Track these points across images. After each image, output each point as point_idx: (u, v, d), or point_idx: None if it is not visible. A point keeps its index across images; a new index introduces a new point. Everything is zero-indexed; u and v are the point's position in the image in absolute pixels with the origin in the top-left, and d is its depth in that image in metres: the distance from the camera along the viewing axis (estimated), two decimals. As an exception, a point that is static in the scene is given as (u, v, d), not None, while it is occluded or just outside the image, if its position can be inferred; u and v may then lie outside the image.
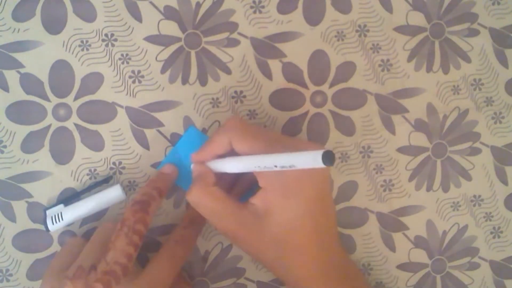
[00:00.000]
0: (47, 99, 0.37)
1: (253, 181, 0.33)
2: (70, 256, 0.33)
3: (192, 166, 0.35)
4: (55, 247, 0.37)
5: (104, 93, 0.37)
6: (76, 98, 0.37)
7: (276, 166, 0.28)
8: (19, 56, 0.36)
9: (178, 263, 0.34)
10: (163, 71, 0.37)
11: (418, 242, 0.40)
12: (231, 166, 0.32)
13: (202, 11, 0.37)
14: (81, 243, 0.35)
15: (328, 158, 0.25)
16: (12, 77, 0.36)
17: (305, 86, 0.38)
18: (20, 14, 0.36)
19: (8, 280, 0.37)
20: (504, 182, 0.41)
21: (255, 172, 0.31)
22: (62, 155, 0.37)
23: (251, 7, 0.38)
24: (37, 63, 0.36)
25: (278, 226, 0.31)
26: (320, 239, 0.32)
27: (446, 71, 0.40)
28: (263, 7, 0.38)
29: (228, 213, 0.32)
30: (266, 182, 0.31)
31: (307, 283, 0.32)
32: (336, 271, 0.33)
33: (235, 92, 0.38)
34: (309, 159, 0.26)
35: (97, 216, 0.37)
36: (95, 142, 0.37)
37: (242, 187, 0.37)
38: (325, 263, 0.33)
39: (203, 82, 0.38)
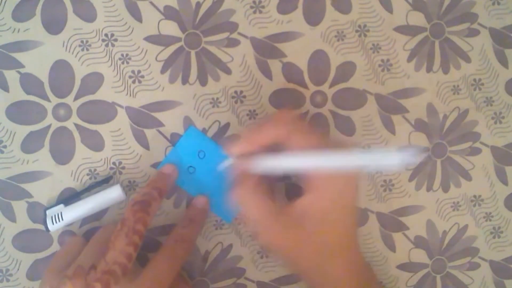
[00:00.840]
0: (47, 99, 0.37)
1: (293, 184, 0.32)
2: (70, 255, 0.33)
3: (230, 161, 0.34)
4: (55, 247, 0.37)
5: (104, 93, 0.37)
6: (76, 98, 0.37)
7: (354, 159, 0.27)
8: (19, 56, 0.36)
9: (178, 262, 0.34)
10: (163, 71, 0.37)
11: (418, 242, 0.40)
12: (297, 161, 0.30)
13: (202, 11, 0.37)
14: (81, 243, 0.35)
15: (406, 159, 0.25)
16: (12, 77, 0.36)
17: (305, 86, 0.38)
18: (20, 14, 0.36)
19: (8, 280, 0.37)
20: (504, 182, 0.41)
21: (305, 174, 0.31)
22: (62, 155, 0.37)
23: (251, 7, 0.38)
24: (37, 63, 0.36)
25: (322, 227, 0.31)
26: (353, 240, 0.33)
27: (446, 71, 0.40)
28: (263, 7, 0.38)
29: (274, 213, 0.31)
30: (313, 186, 0.31)
31: (340, 284, 0.33)
32: (363, 272, 0.34)
33: (235, 92, 0.38)
34: (397, 157, 0.25)
35: (97, 216, 0.37)
36: (95, 142, 0.37)
37: (281, 190, 0.37)
38: (359, 268, 0.34)
39: (203, 82, 0.38)
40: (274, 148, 0.32)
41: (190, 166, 0.37)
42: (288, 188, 0.38)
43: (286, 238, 0.32)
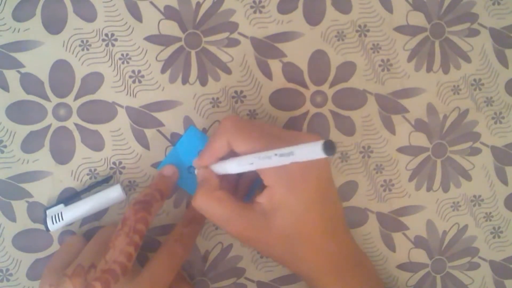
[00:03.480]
0: (47, 99, 0.37)
1: (254, 178, 0.32)
2: (70, 254, 0.34)
3: (195, 171, 0.35)
4: (55, 247, 0.37)
5: (104, 93, 0.37)
6: (76, 98, 0.37)
7: (276, 160, 0.28)
8: (19, 56, 0.36)
9: (177, 262, 0.34)
10: (163, 71, 0.37)
11: (418, 242, 0.40)
12: (233, 167, 0.32)
13: (202, 11, 0.37)
14: (81, 242, 0.35)
15: (329, 147, 0.25)
16: (12, 77, 0.36)
17: (305, 86, 0.38)
18: (20, 14, 0.36)
19: (8, 280, 0.37)
20: (504, 182, 0.41)
21: (258, 171, 0.31)
22: (62, 155, 0.37)
23: (251, 7, 0.38)
24: (37, 63, 0.36)
25: (286, 220, 0.31)
26: (327, 228, 0.33)
27: (446, 71, 0.40)
28: (263, 7, 0.38)
29: (236, 216, 0.32)
30: (270, 179, 0.31)
31: (318, 274, 0.33)
32: (346, 260, 0.34)
33: (235, 92, 0.38)
34: (310, 151, 0.26)
35: (97, 216, 0.37)
36: (95, 142, 0.37)
37: (245, 186, 0.37)
38: (335, 253, 0.33)
39: (203, 82, 0.38)
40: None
41: (190, 166, 0.37)
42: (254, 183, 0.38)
43: (252, 232, 0.32)
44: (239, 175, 0.37)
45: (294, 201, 0.31)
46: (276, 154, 0.28)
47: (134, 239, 0.31)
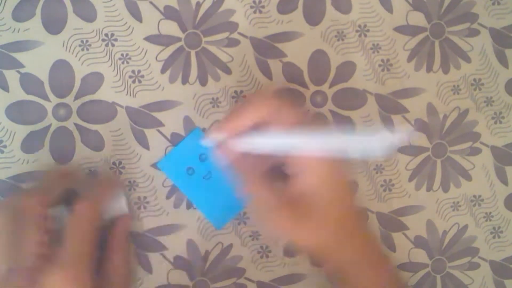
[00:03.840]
0: (47, 99, 0.37)
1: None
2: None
3: (208, 143, 0.34)
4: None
5: (104, 93, 0.37)
6: (76, 98, 0.37)
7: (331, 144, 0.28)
8: (19, 56, 0.36)
9: (87, 221, 0.32)
10: (163, 71, 0.37)
11: (418, 242, 0.40)
12: (285, 140, 0.31)
13: (202, 11, 0.37)
14: None
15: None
16: (12, 77, 0.36)
17: (305, 86, 0.38)
18: (20, 14, 0.36)
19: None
20: (504, 182, 0.41)
21: (288, 157, 0.31)
22: (62, 155, 0.37)
23: (251, 7, 0.38)
24: (37, 63, 0.36)
25: (314, 208, 0.32)
26: (356, 212, 0.34)
27: (446, 71, 0.40)
28: (263, 7, 0.38)
29: (282, 204, 0.32)
30: (302, 167, 0.31)
31: (351, 263, 0.33)
32: (368, 244, 0.35)
33: (235, 92, 0.38)
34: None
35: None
36: (95, 142, 0.37)
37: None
38: (368, 242, 0.34)
39: (203, 82, 0.38)
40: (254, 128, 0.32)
41: (190, 168, 0.37)
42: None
43: (294, 220, 0.32)
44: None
45: (328, 186, 0.32)
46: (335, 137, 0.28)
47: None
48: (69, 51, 0.36)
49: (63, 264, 0.30)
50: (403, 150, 0.40)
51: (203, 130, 0.38)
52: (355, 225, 0.33)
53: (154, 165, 0.37)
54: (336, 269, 0.34)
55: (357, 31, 0.39)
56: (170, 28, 0.37)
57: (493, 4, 0.40)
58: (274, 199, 0.32)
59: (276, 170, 0.34)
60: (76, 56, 0.37)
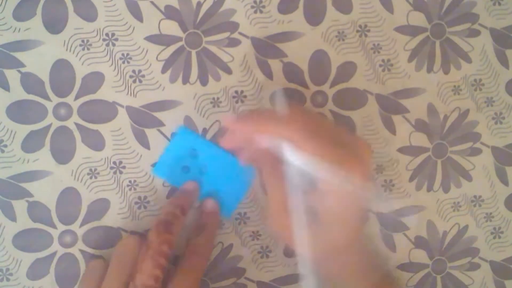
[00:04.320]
0: (47, 98, 0.37)
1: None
2: (94, 282, 0.34)
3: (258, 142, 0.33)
4: (56, 247, 0.37)
5: (104, 93, 0.37)
6: (76, 98, 0.37)
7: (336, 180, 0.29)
8: (19, 56, 0.36)
9: (198, 273, 0.34)
10: (163, 70, 0.37)
11: (419, 243, 0.40)
12: (297, 159, 0.31)
13: (203, 10, 0.37)
14: (102, 266, 0.35)
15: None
16: (12, 76, 0.36)
17: (306, 86, 0.38)
18: (21, 13, 0.36)
19: (8, 280, 0.37)
20: (505, 182, 0.41)
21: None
22: (62, 154, 0.37)
23: (252, 7, 0.38)
24: (38, 62, 0.36)
25: (326, 225, 0.31)
26: (357, 244, 0.34)
27: (446, 71, 0.40)
28: (264, 7, 0.38)
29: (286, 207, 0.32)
30: (325, 185, 0.31)
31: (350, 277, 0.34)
32: (369, 272, 0.35)
33: (236, 92, 0.38)
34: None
35: (97, 216, 0.37)
36: (95, 142, 0.37)
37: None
38: (362, 265, 0.34)
39: (203, 81, 0.38)
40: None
41: (185, 166, 0.37)
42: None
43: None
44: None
45: (347, 212, 0.31)
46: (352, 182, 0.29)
47: (160, 262, 0.32)
48: (70, 51, 0.36)
49: None
50: (403, 150, 0.40)
51: (203, 130, 0.38)
52: (356, 259, 0.34)
53: (155, 165, 0.37)
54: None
55: (357, 31, 0.39)
56: (171, 28, 0.37)
57: (494, 4, 0.40)
58: (281, 196, 0.32)
59: None
60: (76, 56, 0.37)
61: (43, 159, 0.37)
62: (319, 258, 0.32)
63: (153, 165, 0.37)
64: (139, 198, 0.38)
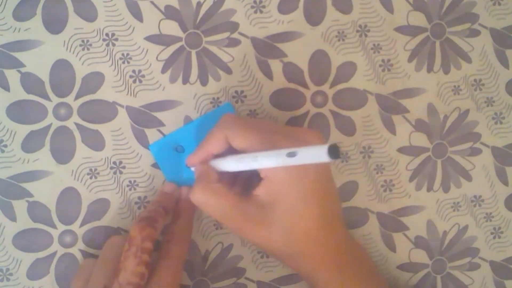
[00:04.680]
0: (47, 98, 0.37)
1: (253, 172, 0.32)
2: (83, 279, 0.33)
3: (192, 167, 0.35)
4: (55, 247, 0.37)
5: (104, 93, 0.37)
6: (76, 98, 0.37)
7: (278, 161, 0.28)
8: (19, 56, 0.36)
9: (178, 262, 0.34)
10: (163, 70, 0.37)
11: (419, 243, 0.40)
12: (232, 164, 0.32)
13: (203, 10, 0.37)
14: (93, 265, 0.34)
15: (334, 152, 0.24)
16: (12, 76, 0.36)
17: (305, 86, 0.38)
18: (21, 13, 0.36)
19: (8, 280, 0.37)
20: (505, 182, 0.41)
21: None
22: (62, 154, 0.37)
23: (252, 7, 0.38)
24: (38, 62, 0.36)
25: (284, 213, 0.31)
26: (327, 223, 0.32)
27: (446, 71, 0.40)
28: (264, 7, 0.38)
29: (234, 209, 0.31)
30: (268, 172, 0.31)
31: (318, 270, 0.33)
32: (346, 255, 0.33)
33: (236, 92, 0.38)
34: (314, 154, 0.26)
35: (97, 215, 0.37)
36: (95, 142, 0.37)
37: (243, 180, 0.36)
38: (334, 248, 0.33)
39: (203, 81, 0.38)
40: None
41: (179, 146, 0.37)
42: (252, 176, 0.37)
43: (250, 225, 0.31)
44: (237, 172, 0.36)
45: (293, 194, 0.31)
46: (277, 155, 0.28)
47: (143, 258, 0.31)
48: (70, 51, 0.36)
49: None
50: (403, 150, 0.40)
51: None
52: (323, 235, 0.32)
53: (155, 165, 0.37)
54: (307, 281, 0.34)
55: (357, 31, 0.39)
56: (171, 28, 0.37)
57: (494, 4, 0.40)
58: (219, 208, 0.32)
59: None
60: (76, 56, 0.37)
61: (43, 159, 0.37)
62: (283, 254, 0.32)
63: (154, 164, 0.37)
64: (139, 198, 0.38)
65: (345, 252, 0.34)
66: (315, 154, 0.26)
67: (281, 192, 0.31)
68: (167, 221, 0.35)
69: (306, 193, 0.31)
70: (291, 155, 0.27)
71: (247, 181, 0.37)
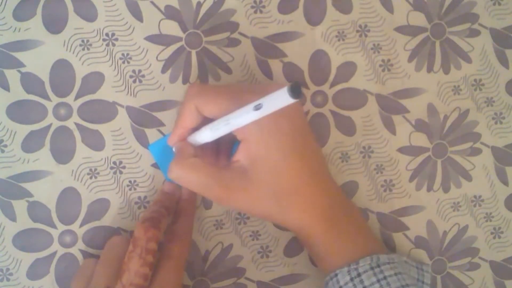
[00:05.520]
0: (47, 98, 0.37)
1: (233, 141, 0.32)
2: (85, 278, 0.33)
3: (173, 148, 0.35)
4: (55, 247, 0.37)
5: (104, 93, 0.37)
6: (76, 98, 0.37)
7: (247, 117, 0.28)
8: (20, 56, 0.36)
9: (179, 262, 0.34)
10: (163, 70, 0.37)
11: (419, 243, 0.40)
12: (207, 133, 0.31)
13: (203, 10, 0.37)
14: (94, 264, 0.35)
15: (295, 90, 0.24)
16: (12, 76, 0.36)
17: (305, 86, 0.38)
18: (21, 13, 0.36)
19: (8, 280, 0.37)
20: (505, 182, 0.41)
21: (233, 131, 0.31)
22: (62, 154, 0.37)
23: (252, 7, 0.38)
24: (38, 62, 0.36)
25: (266, 174, 0.31)
26: (311, 177, 0.32)
27: (446, 71, 0.40)
28: (264, 7, 0.38)
29: (213, 179, 0.31)
30: (244, 134, 0.31)
31: (309, 224, 0.32)
32: (336, 208, 0.33)
33: (236, 92, 0.38)
34: (276, 99, 0.25)
35: (97, 215, 0.37)
36: (95, 142, 0.37)
37: (226, 152, 0.36)
38: (323, 202, 0.32)
39: (203, 81, 0.38)
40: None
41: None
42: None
43: (233, 192, 0.31)
44: (218, 143, 0.35)
45: (271, 152, 0.30)
46: (246, 112, 0.28)
47: (147, 259, 0.31)
48: (70, 51, 0.36)
49: None
50: (403, 150, 0.40)
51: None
52: (310, 188, 0.32)
53: (155, 165, 0.37)
54: (298, 235, 0.34)
55: (357, 31, 0.39)
56: (171, 28, 0.37)
57: (494, 4, 0.40)
58: (199, 181, 0.31)
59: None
60: (76, 56, 0.37)
61: (43, 159, 0.37)
62: (269, 212, 0.32)
63: (154, 164, 0.37)
64: (139, 198, 0.38)
65: (335, 205, 0.33)
66: (278, 99, 0.25)
67: (260, 152, 0.31)
68: (168, 221, 0.35)
69: (285, 148, 0.31)
70: (257, 107, 0.27)
71: (229, 149, 0.36)
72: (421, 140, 0.40)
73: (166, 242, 0.34)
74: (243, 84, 0.34)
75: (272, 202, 0.32)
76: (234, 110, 0.29)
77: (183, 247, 0.34)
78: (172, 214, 0.35)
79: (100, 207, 0.37)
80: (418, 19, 0.39)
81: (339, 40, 0.38)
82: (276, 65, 0.38)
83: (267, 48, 0.38)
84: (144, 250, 0.31)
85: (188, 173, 0.32)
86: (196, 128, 0.33)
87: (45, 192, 0.37)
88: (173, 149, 0.35)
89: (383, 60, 0.39)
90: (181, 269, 0.34)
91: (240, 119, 0.29)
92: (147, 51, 0.37)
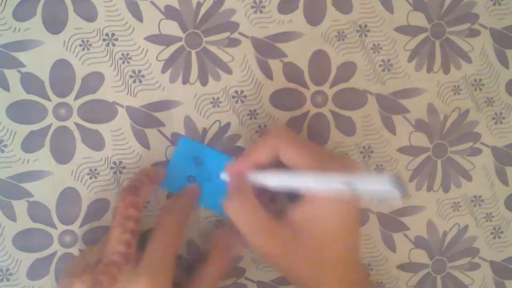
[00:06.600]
0: (47, 98, 0.37)
1: (290, 193, 0.32)
2: (84, 259, 0.33)
3: (227, 177, 0.35)
4: (55, 247, 0.37)
5: (104, 93, 0.37)
6: (76, 98, 0.37)
7: (335, 187, 0.27)
8: (19, 56, 0.36)
9: (172, 235, 0.33)
10: (163, 70, 0.37)
11: (419, 243, 0.40)
12: (277, 180, 0.31)
13: (203, 10, 0.37)
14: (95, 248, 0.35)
15: (400, 185, 0.23)
16: (12, 76, 0.36)
17: (305, 86, 0.38)
18: (21, 13, 0.36)
19: (8, 280, 0.37)
20: (505, 182, 0.41)
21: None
22: (62, 154, 0.37)
23: (252, 7, 0.38)
24: (38, 62, 0.36)
25: (314, 243, 0.31)
26: (350, 258, 0.32)
27: (446, 71, 0.40)
28: (264, 7, 0.38)
29: (265, 231, 0.31)
30: (315, 196, 0.30)
31: None
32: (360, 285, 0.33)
33: (236, 92, 0.38)
34: (375, 184, 0.25)
35: (97, 215, 0.37)
36: (95, 142, 0.37)
37: (281, 200, 0.36)
38: (355, 282, 0.32)
39: (203, 81, 0.38)
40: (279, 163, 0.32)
41: (190, 176, 0.37)
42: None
43: (279, 249, 0.31)
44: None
45: (330, 223, 0.30)
46: (335, 181, 0.27)
47: (128, 226, 0.31)
48: (70, 51, 0.36)
49: (142, 270, 0.30)
50: (403, 150, 0.40)
51: (203, 130, 0.38)
52: (346, 267, 0.32)
53: (155, 165, 0.37)
54: None
55: (357, 31, 0.39)
56: (171, 28, 0.37)
57: (494, 4, 0.40)
58: (250, 224, 0.31)
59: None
60: (76, 56, 0.37)
61: (43, 159, 0.37)
62: (304, 276, 0.31)
63: (154, 164, 0.37)
64: (139, 198, 0.38)
65: (363, 285, 0.33)
66: (377, 185, 0.25)
67: (319, 220, 0.30)
68: (152, 190, 0.34)
69: (338, 227, 0.31)
70: (348, 184, 0.26)
71: (285, 203, 0.36)
72: (421, 140, 0.40)
73: (161, 214, 0.34)
74: (324, 147, 0.34)
75: (310, 273, 0.31)
76: (313, 169, 0.29)
77: (176, 219, 0.33)
78: (155, 182, 0.35)
79: (100, 207, 0.37)
80: (418, 19, 0.39)
81: (339, 40, 0.38)
82: (276, 65, 0.38)
83: (267, 48, 0.38)
84: (124, 217, 0.31)
85: (248, 215, 0.31)
86: (259, 167, 0.32)
87: (45, 192, 0.37)
88: (224, 176, 0.34)
89: (383, 60, 0.39)
90: (173, 242, 0.32)
91: (324, 186, 0.28)
92: (147, 51, 0.37)
